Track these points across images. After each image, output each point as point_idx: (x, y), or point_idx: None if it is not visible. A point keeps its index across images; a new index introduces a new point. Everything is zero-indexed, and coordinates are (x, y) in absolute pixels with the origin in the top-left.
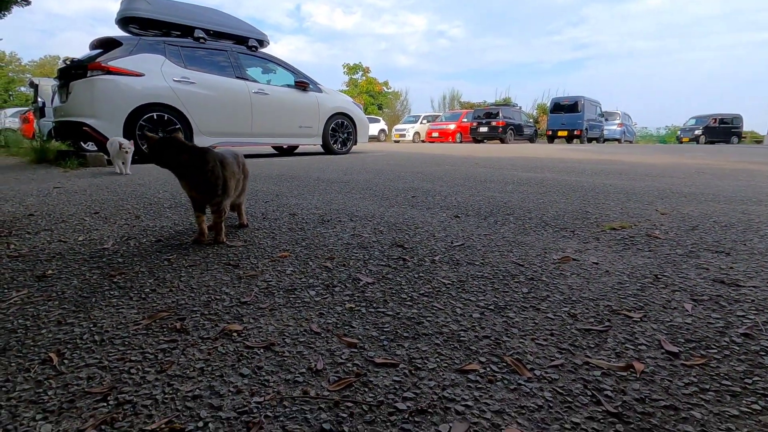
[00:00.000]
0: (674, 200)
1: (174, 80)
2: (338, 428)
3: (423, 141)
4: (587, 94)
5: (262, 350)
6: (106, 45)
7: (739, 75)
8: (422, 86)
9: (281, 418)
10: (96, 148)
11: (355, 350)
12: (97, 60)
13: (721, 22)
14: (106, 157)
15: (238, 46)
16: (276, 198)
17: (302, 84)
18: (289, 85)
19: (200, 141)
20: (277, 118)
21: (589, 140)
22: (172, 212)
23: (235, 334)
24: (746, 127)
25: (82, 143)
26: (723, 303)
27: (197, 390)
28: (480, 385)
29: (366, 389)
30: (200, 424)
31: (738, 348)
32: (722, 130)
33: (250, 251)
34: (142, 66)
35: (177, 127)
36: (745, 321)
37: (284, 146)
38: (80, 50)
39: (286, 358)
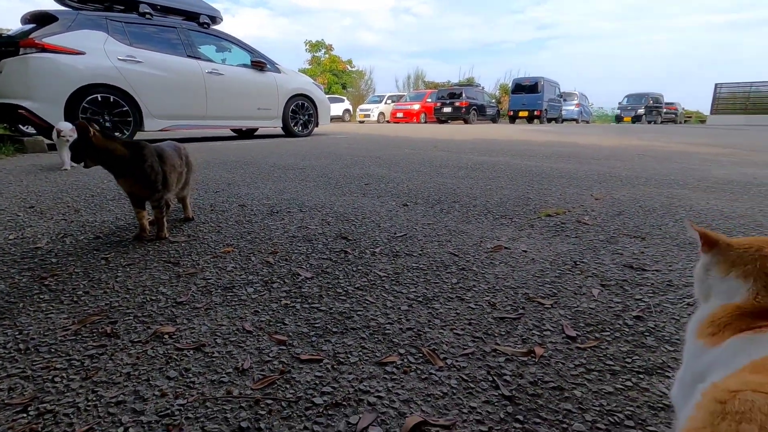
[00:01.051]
0: (610, 184)
1: (119, 59)
2: (255, 426)
3: (388, 121)
4: (548, 75)
5: (192, 351)
6: (40, 19)
7: (690, 57)
8: (387, 65)
9: (201, 419)
10: (36, 131)
11: (284, 347)
12: (31, 36)
13: (677, 4)
14: (47, 141)
15: (188, 23)
16: (228, 187)
17: (259, 64)
18: (245, 65)
19: (151, 124)
20: (234, 100)
21: (549, 120)
22: (115, 205)
23: (166, 336)
24: (692, 108)
25: (20, 126)
26: (626, 287)
27: (121, 395)
28: (395, 377)
29: (288, 386)
30: (120, 429)
31: (628, 330)
32: (651, 109)
33: (192, 247)
34: (82, 43)
35: (124, 109)
36: (640, 304)
37: (243, 129)
38: (11, 23)
39: (214, 359)
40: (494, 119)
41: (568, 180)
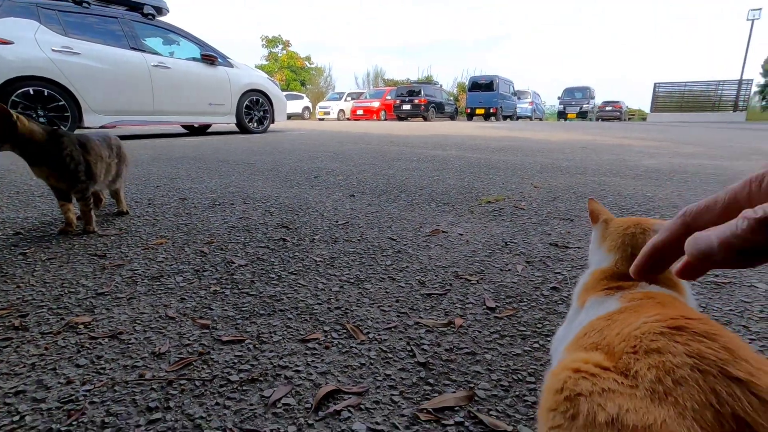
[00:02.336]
0: (550, 174)
1: (53, 50)
2: (165, 405)
3: (348, 119)
4: (503, 74)
5: (106, 340)
6: None
7: (637, 56)
8: (346, 62)
9: (108, 403)
10: None
11: (206, 331)
12: None
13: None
14: None
15: (131, 13)
16: (170, 182)
17: (210, 57)
18: (194, 59)
19: (92, 120)
20: (183, 95)
21: (504, 118)
22: (43, 201)
23: (81, 326)
24: (635, 106)
25: None
26: (549, 263)
27: (22, 385)
28: (316, 352)
29: (205, 366)
30: (16, 417)
31: (543, 300)
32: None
33: (123, 240)
34: (10, 32)
35: (61, 104)
36: (558, 277)
37: (195, 125)
38: None
39: (130, 346)
40: (452, 117)
41: (513, 170)
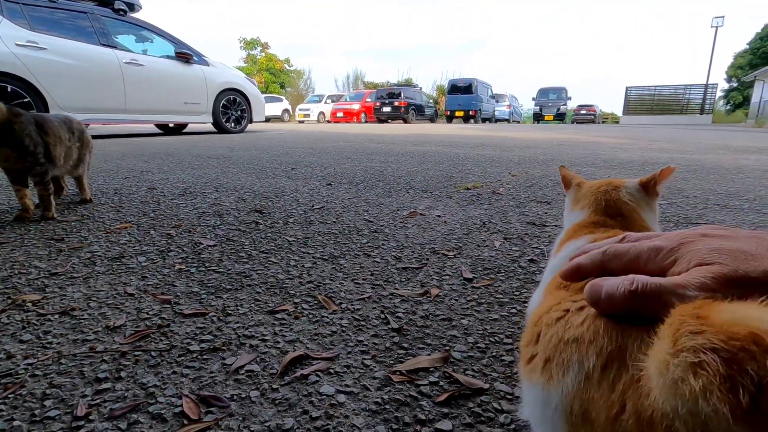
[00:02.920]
0: (528, 165)
1: (17, 44)
2: (115, 375)
3: (328, 121)
4: (481, 77)
5: (57, 316)
6: None
7: (608, 63)
8: (326, 64)
9: (52, 375)
10: None
11: (167, 306)
12: None
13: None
14: None
15: (101, 9)
16: (140, 174)
17: (184, 55)
18: (169, 57)
19: None
20: (157, 93)
21: (483, 120)
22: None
23: (29, 304)
24: (608, 110)
25: None
26: (526, 239)
27: None
28: (284, 322)
29: (163, 338)
30: None
31: (522, 271)
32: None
33: (84, 225)
34: None
35: (26, 101)
36: (535, 251)
37: (170, 125)
38: None
39: (82, 321)
40: (432, 119)
41: (491, 163)
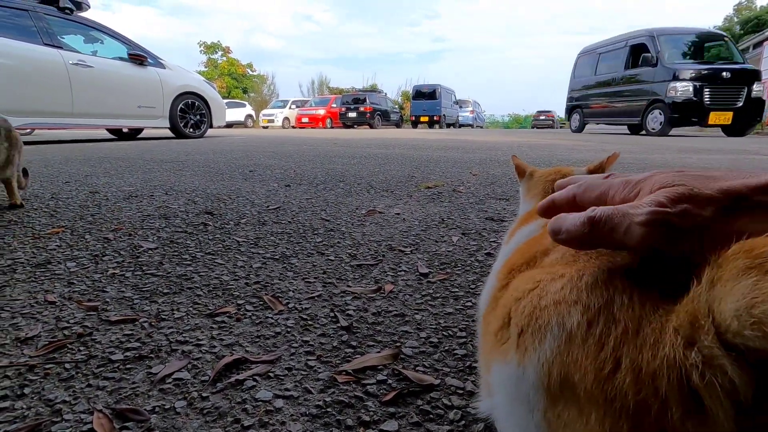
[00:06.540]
0: (489, 165)
1: None
2: (18, 393)
3: (293, 126)
4: (445, 83)
5: None
6: None
7: (561, 71)
8: (290, 70)
9: None
10: None
11: (93, 313)
12: None
13: (546, 25)
14: None
15: (45, 7)
16: (83, 179)
17: (138, 57)
18: (121, 58)
19: None
20: (108, 96)
21: (448, 125)
22: None
23: None
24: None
25: None
26: (484, 234)
27: None
28: (224, 325)
29: (82, 348)
30: None
31: (478, 264)
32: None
33: (9, 230)
34: None
35: None
36: (492, 244)
37: (124, 130)
38: None
39: None
40: (398, 124)
41: (453, 164)
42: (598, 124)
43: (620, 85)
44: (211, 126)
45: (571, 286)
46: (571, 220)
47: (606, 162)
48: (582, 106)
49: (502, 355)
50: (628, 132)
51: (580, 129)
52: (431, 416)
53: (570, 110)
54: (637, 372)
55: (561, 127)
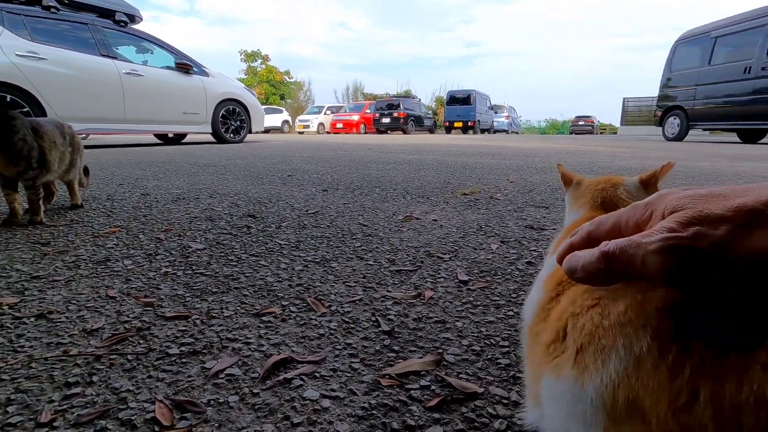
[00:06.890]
0: (526, 172)
1: (17, 54)
2: (87, 380)
3: (328, 132)
4: (479, 88)
5: (33, 319)
6: None
7: (601, 75)
8: (325, 77)
9: (19, 380)
10: None
11: (150, 308)
12: None
13: (588, 26)
14: None
15: (102, 20)
16: (134, 182)
17: (184, 66)
18: (169, 67)
19: None
20: (156, 103)
21: (482, 131)
22: None
23: (6, 307)
24: (606, 121)
25: None
26: (524, 243)
27: None
28: (270, 325)
29: (142, 341)
30: None
31: (518, 273)
32: None
33: (72, 229)
34: None
35: (25, 110)
36: (533, 253)
37: (170, 135)
38: None
39: (59, 324)
40: (431, 130)
41: (489, 170)
42: (708, 129)
43: (758, 78)
44: (250, 131)
45: (637, 308)
46: (586, 257)
47: (660, 171)
48: (685, 107)
49: (556, 369)
50: (739, 140)
51: (679, 136)
52: (476, 424)
53: (664, 112)
54: (717, 405)
55: (601, 133)
